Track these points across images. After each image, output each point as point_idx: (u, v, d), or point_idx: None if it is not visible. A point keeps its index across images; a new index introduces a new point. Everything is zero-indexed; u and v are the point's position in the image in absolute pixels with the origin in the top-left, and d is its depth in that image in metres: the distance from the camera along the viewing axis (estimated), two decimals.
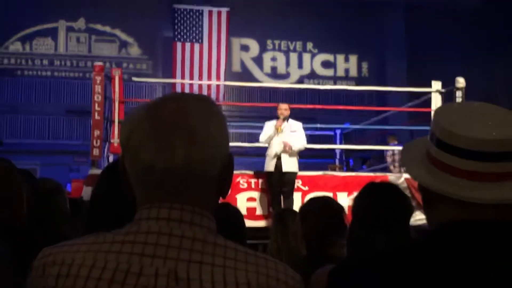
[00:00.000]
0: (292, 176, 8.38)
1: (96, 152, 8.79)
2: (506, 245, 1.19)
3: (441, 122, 1.26)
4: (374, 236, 2.23)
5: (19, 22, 20.10)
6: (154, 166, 1.08)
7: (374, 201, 2.36)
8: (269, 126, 8.52)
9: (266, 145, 8.53)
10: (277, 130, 8.34)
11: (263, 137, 8.53)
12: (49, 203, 2.73)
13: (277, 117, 8.52)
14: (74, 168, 18.41)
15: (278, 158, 8.30)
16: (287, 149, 8.27)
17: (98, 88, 8.88)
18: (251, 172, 8.93)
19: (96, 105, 8.85)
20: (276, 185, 8.35)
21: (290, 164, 8.33)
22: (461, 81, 9.54)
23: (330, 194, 8.07)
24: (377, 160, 14.57)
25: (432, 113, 9.16)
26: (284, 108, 8.47)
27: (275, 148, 8.32)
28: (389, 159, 12.57)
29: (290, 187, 8.34)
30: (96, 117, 8.85)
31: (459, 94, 9.49)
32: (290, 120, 8.52)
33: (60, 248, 1.12)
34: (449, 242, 1.21)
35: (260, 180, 8.77)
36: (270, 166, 8.37)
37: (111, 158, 9.35)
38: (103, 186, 1.94)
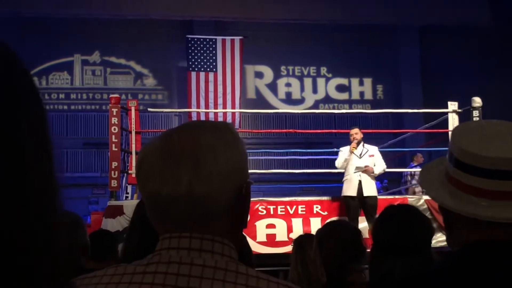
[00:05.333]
0: (374, 200, 8.36)
1: (114, 183, 8.80)
2: None
3: (459, 142, 1.24)
4: (395, 260, 2.20)
5: (35, 57, 20.33)
6: (159, 194, 1.08)
7: (394, 225, 2.32)
8: (344, 151, 8.63)
9: (342, 170, 8.58)
10: (352, 151, 8.44)
11: (339, 161, 8.59)
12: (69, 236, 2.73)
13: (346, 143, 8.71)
14: (93, 200, 18.46)
15: (359, 182, 8.33)
16: (370, 173, 8.37)
17: (114, 120, 8.91)
18: (269, 199, 8.90)
19: (113, 136, 8.88)
20: (356, 209, 8.29)
21: (370, 189, 8.40)
22: (477, 101, 9.45)
23: None
24: (394, 183, 14.48)
25: (450, 133, 9.10)
26: (354, 133, 8.64)
27: (353, 172, 8.36)
28: (409, 177, 12.55)
29: (374, 211, 8.14)
30: (114, 148, 8.87)
31: (476, 113, 9.39)
32: (366, 145, 8.66)
33: (81, 281, 1.11)
34: (475, 263, 1.19)
35: (279, 207, 8.74)
36: (350, 190, 8.34)
37: (129, 189, 9.38)
38: (136, 218, 1.96)
